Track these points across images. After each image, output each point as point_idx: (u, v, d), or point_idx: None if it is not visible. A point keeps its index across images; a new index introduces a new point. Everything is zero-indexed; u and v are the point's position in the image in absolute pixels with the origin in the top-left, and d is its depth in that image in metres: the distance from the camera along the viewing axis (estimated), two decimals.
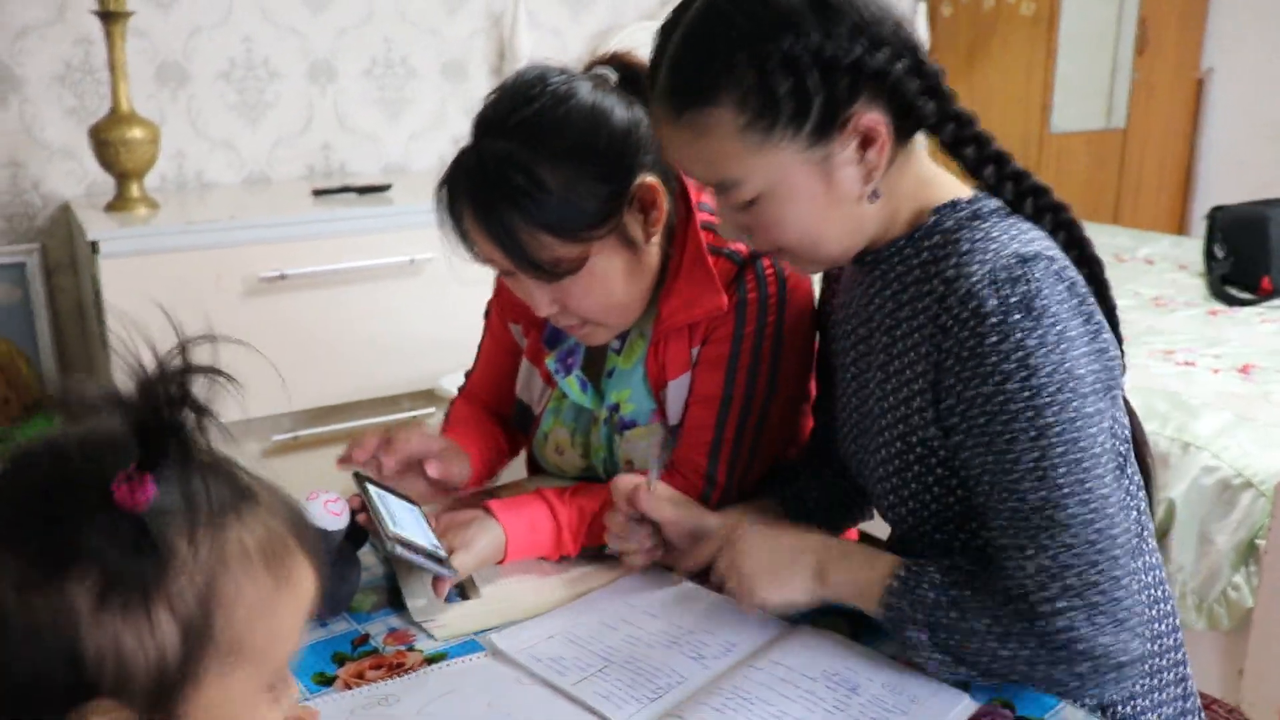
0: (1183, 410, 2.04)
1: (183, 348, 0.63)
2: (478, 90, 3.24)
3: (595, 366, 1.39)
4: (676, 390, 1.32)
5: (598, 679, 1.03)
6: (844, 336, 1.18)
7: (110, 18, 2.40)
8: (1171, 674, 1.13)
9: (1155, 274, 3.13)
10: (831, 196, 1.02)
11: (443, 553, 1.16)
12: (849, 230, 1.06)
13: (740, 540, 1.13)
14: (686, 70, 1.00)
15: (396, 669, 1.05)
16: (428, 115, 3.18)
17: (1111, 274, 3.16)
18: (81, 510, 0.58)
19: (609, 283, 1.22)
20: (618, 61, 1.27)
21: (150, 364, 0.62)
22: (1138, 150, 4.40)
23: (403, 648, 1.09)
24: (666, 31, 1.02)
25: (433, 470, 1.31)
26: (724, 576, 1.14)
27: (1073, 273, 1.00)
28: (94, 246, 2.28)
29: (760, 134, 0.98)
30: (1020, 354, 0.94)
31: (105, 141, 2.46)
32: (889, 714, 0.98)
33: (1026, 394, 0.95)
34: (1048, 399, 0.94)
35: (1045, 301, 0.95)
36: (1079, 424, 0.94)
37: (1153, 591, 1.11)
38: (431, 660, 1.07)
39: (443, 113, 3.20)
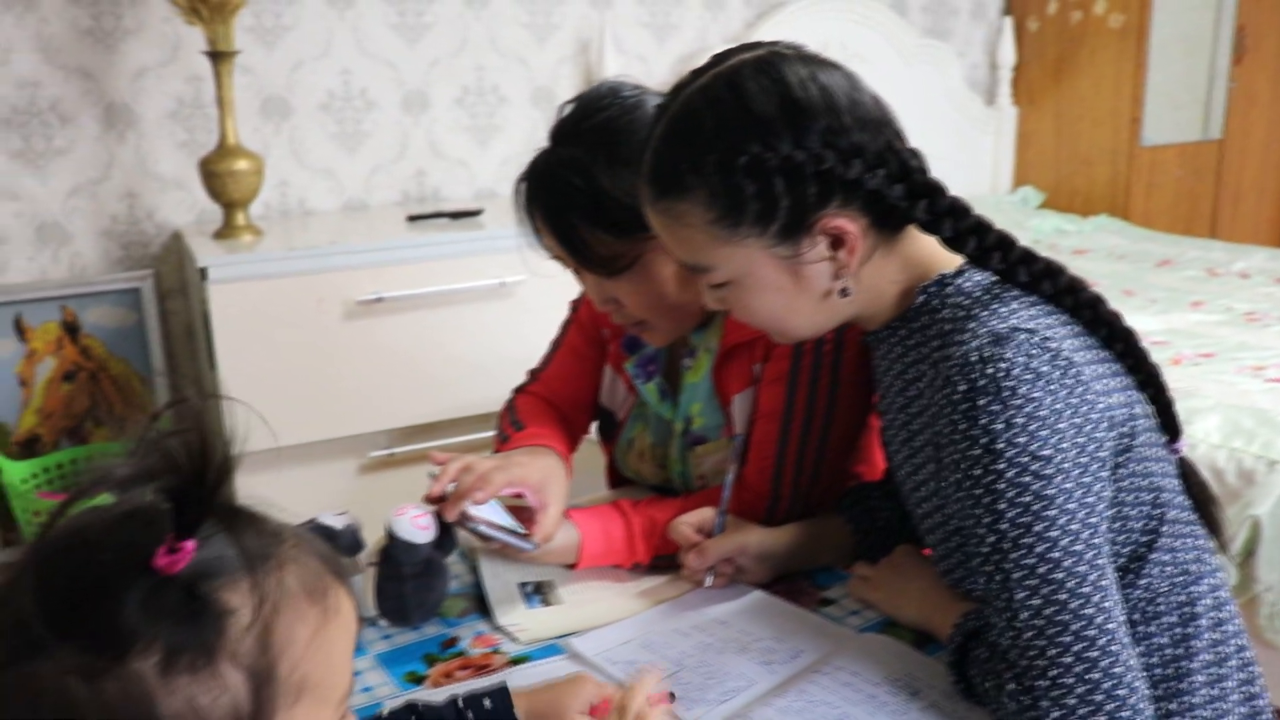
0: (1269, 427, 2.02)
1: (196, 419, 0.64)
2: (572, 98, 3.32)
3: (675, 377, 1.45)
4: (741, 404, 1.37)
5: (670, 682, 1.08)
6: (880, 388, 1.20)
7: (219, 57, 2.54)
8: (1238, 693, 1.13)
9: (1249, 288, 3.08)
10: (799, 289, 1.05)
11: (521, 530, 1.24)
12: (820, 319, 1.09)
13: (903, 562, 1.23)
14: (663, 162, 1.04)
15: (482, 669, 1.12)
16: (517, 141, 3.28)
17: (1203, 289, 3.10)
18: (129, 588, 0.59)
19: (662, 284, 1.29)
20: None
21: (171, 432, 0.63)
22: (1236, 161, 4.31)
23: (488, 650, 1.16)
24: (658, 116, 1.06)
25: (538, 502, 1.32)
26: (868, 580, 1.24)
27: (1059, 344, 0.98)
28: (203, 273, 2.41)
29: (727, 229, 1.01)
30: (986, 439, 0.95)
31: (214, 173, 2.60)
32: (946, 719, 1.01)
33: (987, 479, 0.95)
34: (1005, 485, 0.94)
35: (1015, 382, 0.95)
36: (1037, 508, 0.94)
37: (1216, 614, 1.11)
38: (515, 662, 1.14)
39: (532, 139, 3.27)
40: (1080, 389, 0.98)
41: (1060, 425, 0.95)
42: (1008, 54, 4.09)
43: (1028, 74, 4.18)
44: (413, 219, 2.83)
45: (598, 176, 1.23)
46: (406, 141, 3.13)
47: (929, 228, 1.03)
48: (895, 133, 1.04)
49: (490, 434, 2.76)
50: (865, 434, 1.41)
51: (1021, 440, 0.94)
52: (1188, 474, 1.15)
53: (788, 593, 1.27)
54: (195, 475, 0.62)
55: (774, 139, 0.98)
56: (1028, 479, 0.94)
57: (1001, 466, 0.95)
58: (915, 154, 1.04)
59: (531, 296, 2.69)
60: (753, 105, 0.99)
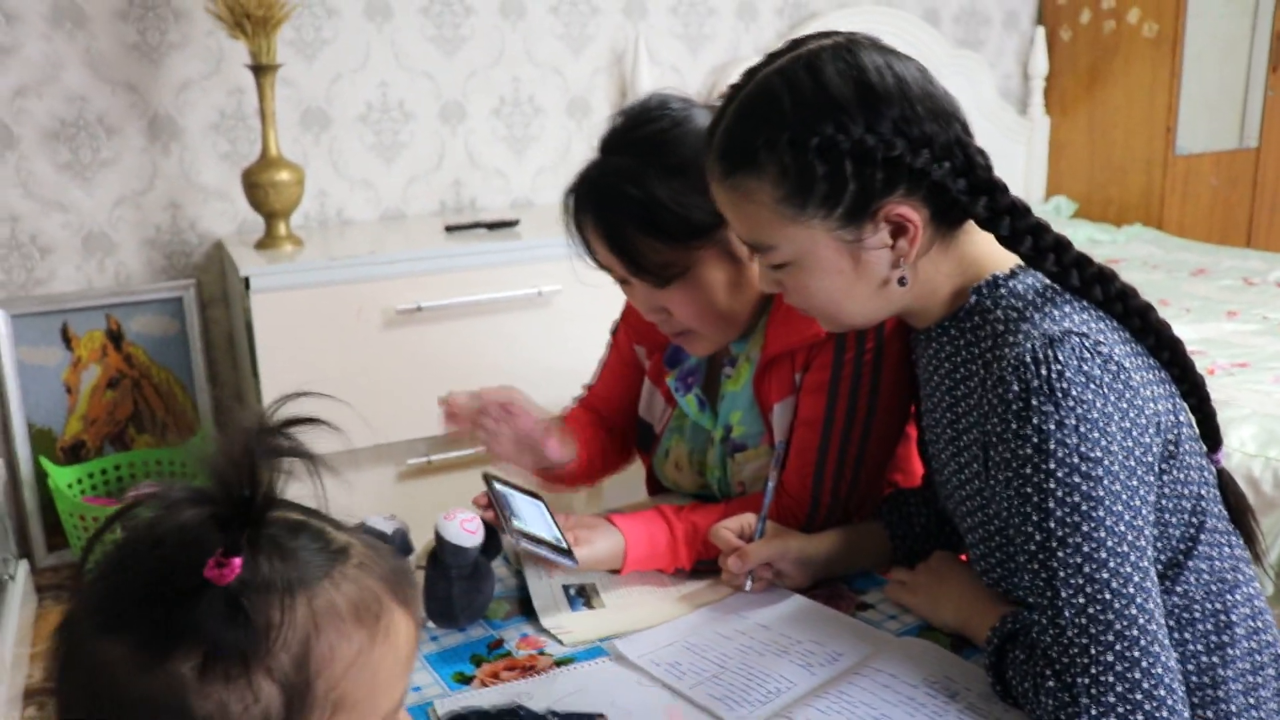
0: None
1: (260, 431, 0.66)
2: (601, 126, 3.34)
3: (713, 388, 1.48)
4: (782, 413, 1.39)
5: (712, 683, 1.10)
6: (924, 390, 1.22)
7: (262, 70, 2.59)
8: (1274, 702, 1.14)
9: None
10: (858, 275, 1.07)
11: (565, 544, 1.26)
12: (874, 307, 1.11)
13: (940, 567, 1.25)
14: (736, 138, 1.06)
15: (528, 670, 1.14)
16: (553, 151, 3.32)
17: (1239, 298, 3.09)
18: (179, 594, 0.61)
19: (712, 292, 1.32)
20: None
21: (226, 448, 0.65)
22: (1273, 169, 4.29)
23: (534, 652, 1.18)
24: (729, 96, 1.09)
25: (553, 452, 1.43)
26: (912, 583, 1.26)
27: (1110, 348, 1.00)
28: (246, 282, 2.46)
29: (794, 209, 1.04)
30: (1037, 439, 0.97)
31: (256, 184, 2.64)
32: None
33: (1037, 478, 0.97)
34: (1054, 485, 0.96)
35: (1067, 384, 0.97)
36: (1086, 509, 0.96)
37: (1252, 623, 1.12)
38: (560, 663, 1.16)
39: (567, 149, 3.33)
40: (1130, 393, 1.00)
41: (1110, 429, 0.97)
42: (1040, 64, 4.09)
43: (1060, 84, 4.17)
44: (450, 229, 2.86)
45: (650, 184, 1.26)
46: (444, 152, 3.17)
47: (987, 224, 1.05)
48: (963, 128, 1.06)
49: None
50: (904, 443, 1.43)
51: (1072, 441, 0.96)
52: (1225, 484, 1.16)
53: (827, 597, 1.29)
54: (242, 499, 0.64)
55: (848, 122, 1.00)
56: (1077, 479, 0.96)
57: (1052, 466, 0.97)
58: (981, 151, 1.06)
59: (568, 306, 2.72)
60: (829, 88, 1.01)
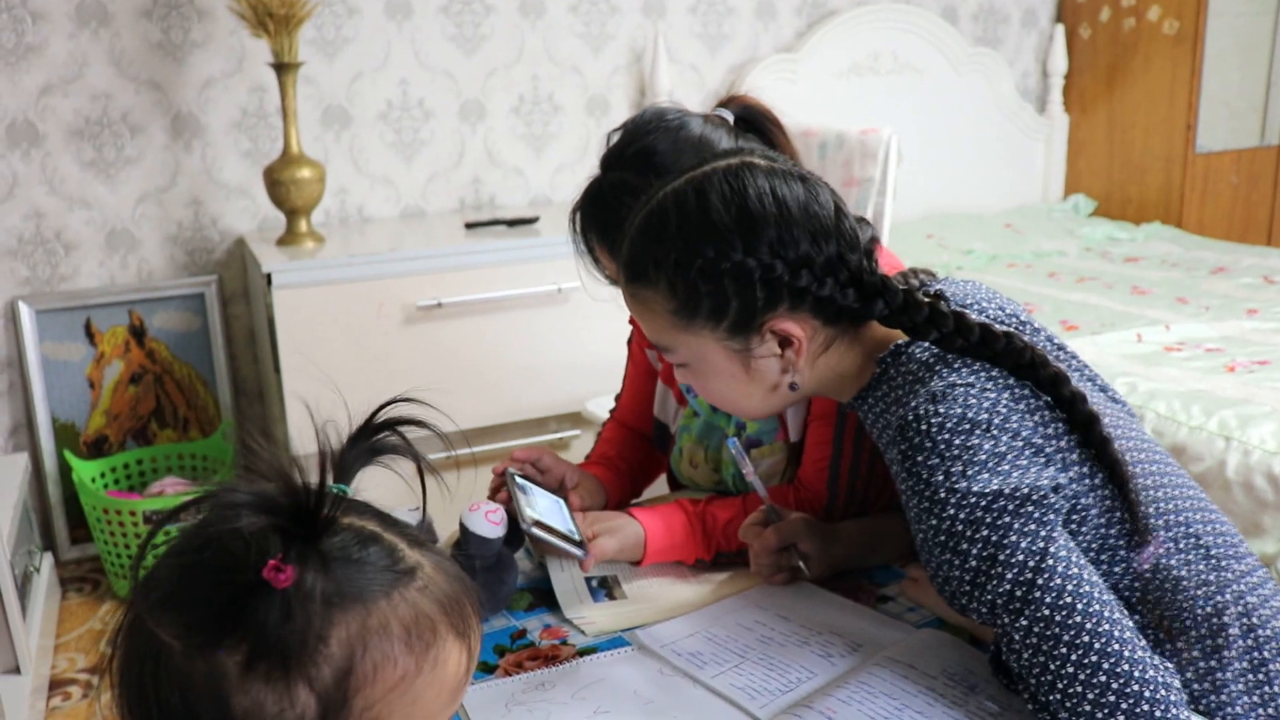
0: None
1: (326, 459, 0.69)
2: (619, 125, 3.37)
3: None
4: (796, 408, 1.40)
5: (734, 673, 1.11)
6: None
7: (284, 68, 2.61)
8: None
9: None
10: (750, 379, 1.14)
11: (578, 537, 1.28)
12: (771, 403, 1.17)
13: None
14: (633, 251, 1.13)
15: (551, 660, 1.15)
16: (572, 150, 3.33)
17: (1259, 296, 3.08)
18: (240, 587, 0.63)
19: None
20: (736, 104, 1.40)
21: (291, 463, 0.68)
22: None
23: (557, 642, 1.20)
24: (640, 205, 1.14)
25: (575, 501, 1.42)
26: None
27: (998, 390, 1.03)
28: (269, 278, 2.48)
29: (684, 320, 1.11)
30: (929, 492, 1.00)
31: (278, 181, 2.67)
32: (1004, 714, 1.03)
33: (943, 527, 0.99)
34: (961, 527, 0.98)
35: (949, 434, 1.00)
36: (996, 539, 0.97)
37: (1246, 620, 1.10)
38: (583, 653, 1.17)
39: (586, 147, 3.34)
40: (1020, 443, 1.01)
41: (1003, 467, 0.99)
42: (1059, 61, 4.08)
43: (1079, 82, 4.17)
44: (470, 226, 2.88)
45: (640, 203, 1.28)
46: (463, 150, 3.19)
47: (889, 322, 1.10)
48: (846, 242, 1.09)
49: (548, 437, 2.83)
50: None
51: (962, 486, 0.99)
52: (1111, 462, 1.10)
53: (847, 590, 1.30)
54: (307, 509, 0.65)
55: (727, 246, 1.06)
56: (980, 514, 0.98)
57: (951, 512, 0.99)
58: (861, 261, 1.09)
59: (587, 302, 2.73)
60: (712, 213, 1.07)
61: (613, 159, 1.34)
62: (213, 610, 0.64)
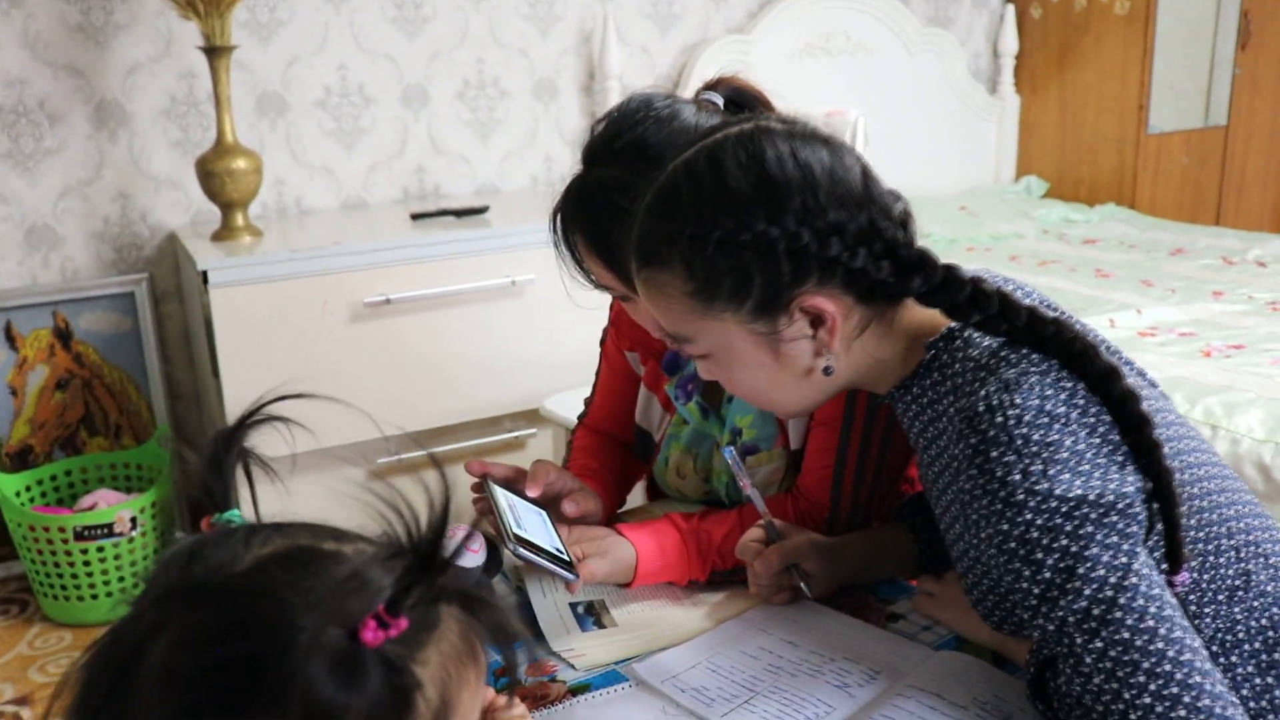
0: None
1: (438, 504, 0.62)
2: (568, 109, 3.25)
3: (715, 393, 1.38)
4: None
5: (745, 711, 1.01)
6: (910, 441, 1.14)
7: (215, 52, 2.45)
8: None
9: (1268, 277, 3.02)
10: (781, 366, 1.02)
11: (566, 557, 1.17)
12: (805, 394, 1.06)
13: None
14: (645, 232, 1.02)
15: (541, 700, 1.04)
16: (519, 135, 3.20)
17: (1221, 277, 3.06)
18: (323, 659, 0.54)
19: None
20: (725, 86, 1.28)
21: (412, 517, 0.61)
22: (1240, 147, 4.27)
23: (545, 679, 1.08)
24: (648, 186, 1.04)
25: (569, 509, 1.30)
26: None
27: (1069, 382, 0.93)
28: (204, 276, 2.33)
29: (704, 303, 1.00)
30: (1004, 493, 0.90)
31: (212, 173, 2.51)
32: None
33: (1016, 533, 0.90)
34: (1037, 534, 0.89)
35: (1027, 429, 0.90)
36: (1076, 550, 0.88)
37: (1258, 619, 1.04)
38: (576, 691, 1.06)
39: (534, 132, 3.22)
40: (1099, 440, 0.91)
41: (1083, 468, 0.90)
42: (1010, 42, 4.03)
43: (1030, 62, 4.12)
44: (416, 217, 2.74)
45: (644, 193, 1.15)
46: (406, 137, 3.05)
47: (927, 300, 0.99)
48: (879, 210, 0.98)
49: (503, 437, 2.71)
50: None
51: (1043, 487, 0.89)
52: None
53: (853, 608, 1.20)
54: (425, 556, 0.59)
55: (748, 216, 0.96)
56: (1059, 522, 0.89)
57: (1028, 517, 0.89)
58: (905, 226, 0.99)
59: (543, 295, 2.62)
60: (729, 181, 0.97)
61: (598, 153, 1.21)
62: (300, 695, 0.54)
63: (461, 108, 3.11)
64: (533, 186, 3.24)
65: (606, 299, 1.38)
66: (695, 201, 0.98)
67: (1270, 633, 0.99)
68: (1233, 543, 1.01)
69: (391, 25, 2.96)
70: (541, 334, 2.65)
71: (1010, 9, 4.02)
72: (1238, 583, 1.00)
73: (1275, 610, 1.00)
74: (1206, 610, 0.99)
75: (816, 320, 0.99)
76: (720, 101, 1.26)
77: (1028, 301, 0.98)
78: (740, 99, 1.26)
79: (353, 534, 0.63)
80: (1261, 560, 1.02)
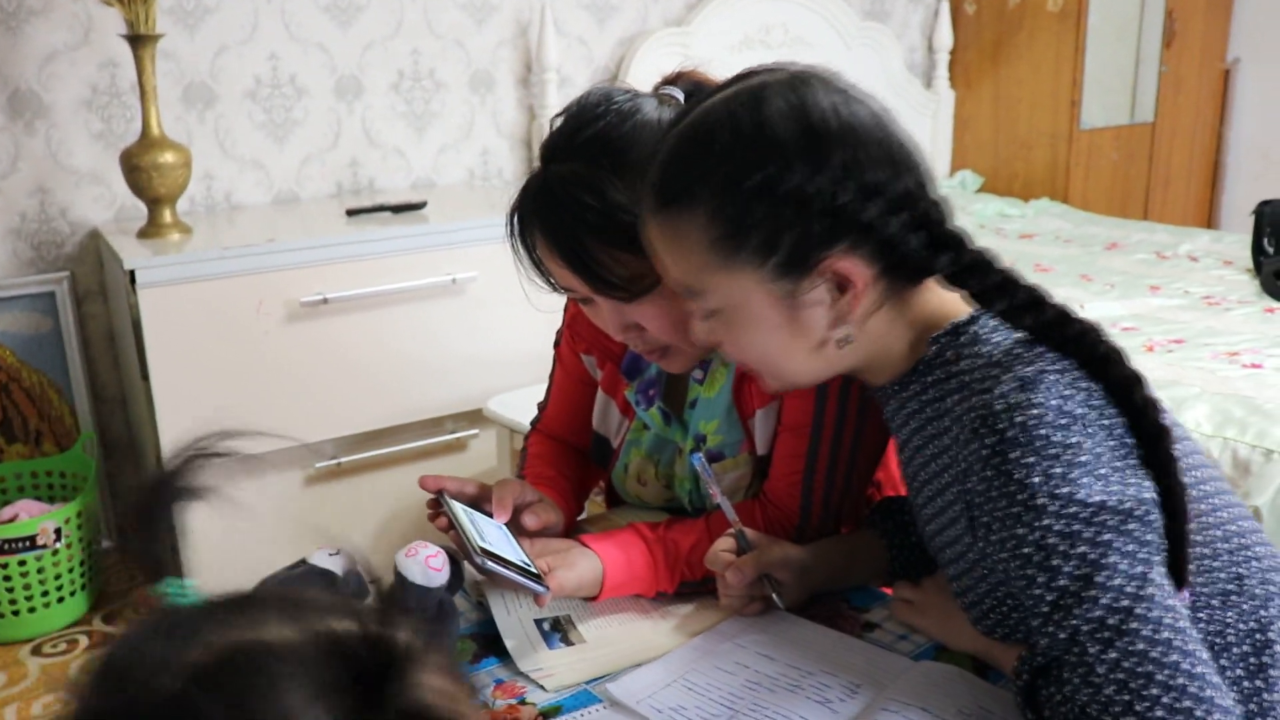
0: (1260, 416, 1.98)
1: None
2: (505, 101, 3.19)
3: (677, 398, 1.34)
4: (764, 419, 1.26)
5: None
6: (896, 444, 1.11)
7: (139, 41, 2.35)
8: None
9: (1201, 271, 3.07)
10: (794, 332, 0.97)
11: (534, 569, 1.12)
12: (814, 367, 1.01)
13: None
14: (670, 170, 0.97)
15: None
16: (456, 128, 3.13)
17: (1156, 272, 3.09)
18: None
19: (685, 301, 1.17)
20: (685, 80, 1.24)
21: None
22: (1166, 144, 4.34)
23: (514, 701, 1.03)
24: (670, 127, 1.00)
25: (530, 522, 1.25)
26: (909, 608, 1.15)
27: (1085, 382, 0.91)
28: (131, 276, 2.23)
29: (726, 253, 0.94)
30: (1024, 495, 0.87)
31: (137, 167, 2.40)
32: None
33: (1034, 537, 0.87)
34: (1055, 539, 0.86)
35: (1047, 429, 0.87)
36: (1094, 557, 0.86)
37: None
38: (547, 715, 1.01)
39: (471, 125, 3.15)
40: (1115, 442, 0.89)
41: (1101, 471, 0.87)
42: (945, 37, 4.05)
43: (964, 57, 4.14)
44: (352, 213, 2.66)
45: (607, 190, 1.10)
46: (339, 130, 2.96)
47: (954, 281, 0.95)
48: (920, 179, 0.95)
49: (445, 438, 2.64)
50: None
51: (1064, 491, 0.86)
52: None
53: (827, 617, 1.17)
54: (374, 678, 0.48)
55: (789, 164, 0.91)
56: (1078, 528, 0.86)
57: (1047, 522, 0.87)
58: (938, 203, 0.96)
59: (485, 293, 2.56)
60: (773, 125, 0.92)
61: (557, 149, 1.15)
62: None
63: (396, 99, 3.03)
64: (469, 180, 3.17)
65: (562, 300, 1.34)
66: (735, 143, 0.92)
67: (1259, 635, 0.98)
68: (1228, 546, 0.99)
69: (324, 14, 2.87)
70: (484, 333, 2.59)
71: (945, 4, 4.03)
72: (1230, 586, 0.98)
73: (1264, 613, 0.98)
74: (1200, 615, 0.97)
75: (841, 286, 0.94)
76: (681, 96, 1.21)
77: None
78: (699, 92, 1.22)
79: (310, 601, 0.53)
80: (1254, 564, 1.00)
